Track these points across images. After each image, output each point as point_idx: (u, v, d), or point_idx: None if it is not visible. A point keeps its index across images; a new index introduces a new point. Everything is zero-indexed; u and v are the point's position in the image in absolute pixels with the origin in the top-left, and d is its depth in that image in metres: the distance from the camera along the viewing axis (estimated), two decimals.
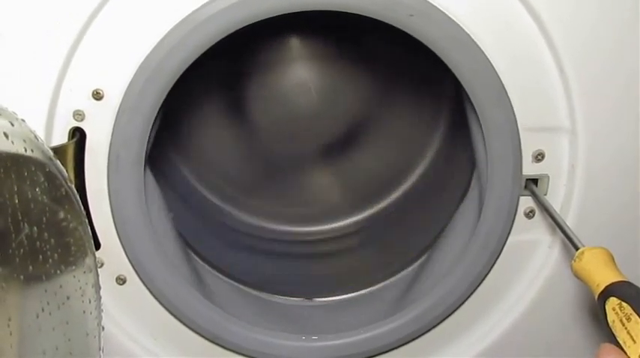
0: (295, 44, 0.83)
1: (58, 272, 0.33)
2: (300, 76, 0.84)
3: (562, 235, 0.55)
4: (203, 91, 0.81)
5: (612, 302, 0.41)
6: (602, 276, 0.43)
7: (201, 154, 0.84)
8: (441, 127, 0.84)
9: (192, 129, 0.83)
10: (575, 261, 0.47)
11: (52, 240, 0.32)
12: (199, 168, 0.84)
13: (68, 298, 0.34)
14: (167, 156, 0.82)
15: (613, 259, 0.46)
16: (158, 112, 0.55)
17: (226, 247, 0.77)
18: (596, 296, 0.43)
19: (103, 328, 0.41)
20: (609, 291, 0.42)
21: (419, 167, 0.85)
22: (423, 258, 0.69)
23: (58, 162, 0.36)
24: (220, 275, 0.69)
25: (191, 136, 0.84)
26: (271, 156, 0.86)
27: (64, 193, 0.35)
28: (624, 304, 0.40)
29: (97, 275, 0.41)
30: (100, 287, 0.41)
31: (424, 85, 0.82)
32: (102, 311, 0.42)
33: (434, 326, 0.64)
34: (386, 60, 0.83)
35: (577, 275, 0.47)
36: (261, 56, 0.83)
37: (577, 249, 0.48)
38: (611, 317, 0.40)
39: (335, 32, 0.81)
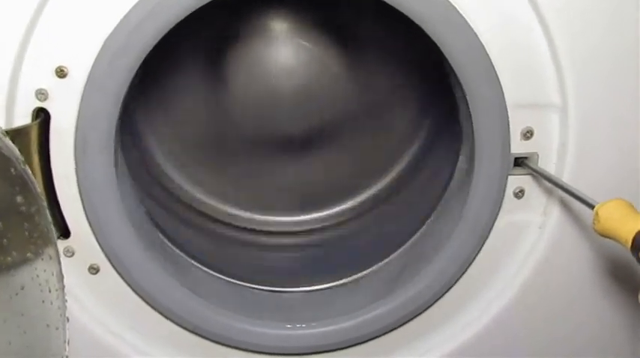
0: (282, 25, 0.80)
1: (9, 259, 0.30)
2: (284, 57, 0.81)
3: (571, 197, 0.53)
4: (179, 67, 0.77)
5: None
6: (626, 230, 0.43)
7: (178, 140, 0.81)
8: (430, 111, 0.81)
9: (168, 110, 0.79)
10: (594, 223, 0.46)
11: (0, 224, 0.29)
12: (175, 154, 0.81)
13: (22, 288, 0.31)
14: (140, 138, 0.79)
15: (630, 206, 0.45)
16: (128, 90, 0.52)
17: (206, 237, 0.74)
18: (630, 252, 0.42)
19: (68, 319, 0.39)
20: (637, 243, 0.41)
21: (406, 154, 0.82)
22: (412, 241, 0.67)
23: (9, 140, 0.33)
24: (200, 266, 0.66)
25: (166, 117, 0.80)
26: (253, 143, 0.83)
27: (14, 174, 0.32)
28: None
29: (60, 263, 0.38)
30: (62, 276, 0.38)
31: (413, 69, 0.80)
32: (66, 301, 0.39)
33: (423, 311, 0.62)
34: (374, 46, 0.81)
35: (604, 236, 0.46)
36: (245, 36, 0.79)
37: (592, 207, 0.47)
38: None
39: (327, 18, 0.78)
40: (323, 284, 0.67)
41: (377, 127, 0.83)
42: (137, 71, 0.52)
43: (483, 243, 0.60)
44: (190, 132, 0.82)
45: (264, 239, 0.80)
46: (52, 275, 0.36)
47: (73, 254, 0.57)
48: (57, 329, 0.35)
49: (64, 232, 0.56)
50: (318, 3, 0.77)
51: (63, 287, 0.38)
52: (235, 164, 0.83)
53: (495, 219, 0.59)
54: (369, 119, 0.82)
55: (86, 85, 0.51)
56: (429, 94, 0.79)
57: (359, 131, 0.83)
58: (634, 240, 0.42)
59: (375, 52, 0.81)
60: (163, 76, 0.77)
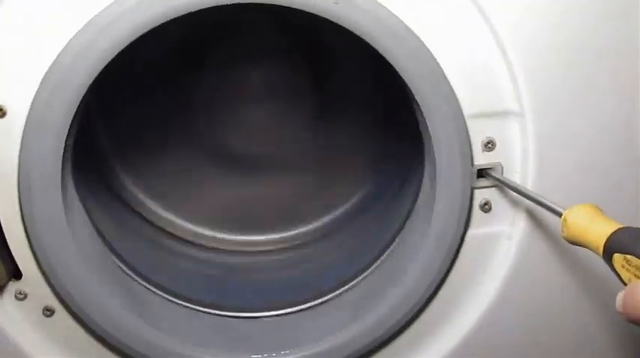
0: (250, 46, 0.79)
1: None
2: (252, 83, 0.80)
3: (538, 206, 0.52)
4: (144, 85, 0.76)
5: (617, 260, 0.39)
6: (595, 236, 0.41)
7: (145, 163, 0.80)
8: (394, 129, 0.80)
9: (137, 136, 0.78)
10: (562, 231, 0.45)
11: None
12: (138, 174, 0.80)
13: None
14: (102, 163, 0.78)
15: (598, 210, 0.44)
16: (72, 125, 0.51)
17: (169, 261, 0.72)
18: (602, 258, 0.41)
19: None
20: (609, 249, 0.40)
21: (371, 174, 0.81)
22: (378, 263, 0.65)
23: None
24: (161, 293, 0.64)
25: (134, 142, 0.79)
26: (219, 164, 0.81)
27: None
28: (628, 257, 0.38)
29: None
30: None
31: (380, 86, 0.79)
32: None
33: (396, 334, 0.60)
34: (341, 63, 0.80)
35: (573, 244, 0.45)
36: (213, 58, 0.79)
37: (560, 215, 0.46)
38: (625, 275, 0.39)
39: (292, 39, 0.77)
40: (289, 308, 0.64)
41: (341, 147, 0.81)
42: (95, 93, 0.51)
43: (453, 260, 0.58)
44: (157, 152, 0.80)
45: (229, 260, 0.78)
46: None
47: (25, 296, 0.55)
48: None
49: (16, 274, 0.54)
50: (284, 25, 0.76)
51: None
52: (201, 184, 0.82)
53: (463, 234, 0.58)
54: (334, 139, 0.81)
55: (26, 124, 0.50)
56: (394, 110, 0.78)
57: (324, 151, 0.82)
58: (605, 245, 0.40)
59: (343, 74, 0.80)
60: (129, 97, 0.76)
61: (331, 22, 0.51)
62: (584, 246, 0.43)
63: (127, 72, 0.66)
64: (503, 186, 0.57)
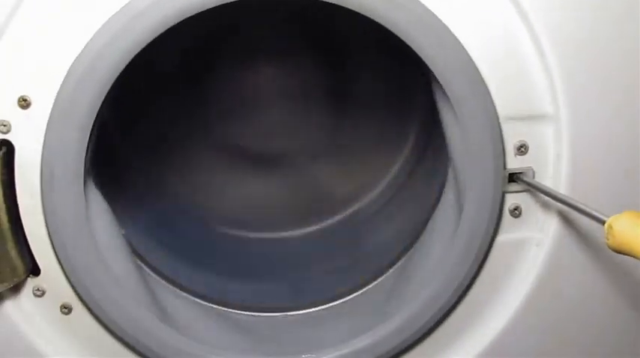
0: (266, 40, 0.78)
1: None
2: (268, 83, 0.79)
3: (572, 211, 0.50)
4: (162, 82, 0.75)
5: None
6: None
7: (164, 159, 0.78)
8: (415, 126, 0.79)
9: (155, 134, 0.77)
10: (607, 238, 0.43)
11: None
12: (159, 173, 0.78)
13: None
14: (121, 160, 0.76)
15: None
16: (97, 119, 0.49)
17: (186, 259, 0.71)
18: None
19: None
20: None
21: (390, 171, 0.80)
22: (402, 262, 0.64)
23: None
24: (181, 292, 0.62)
25: (153, 140, 0.78)
26: (239, 160, 0.80)
27: None
28: None
29: None
30: None
31: (398, 84, 0.78)
32: None
33: (421, 338, 0.59)
34: (357, 60, 0.78)
35: (619, 252, 0.43)
36: (230, 51, 0.77)
37: (602, 222, 0.44)
38: None
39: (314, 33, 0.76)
40: (312, 308, 0.63)
41: (364, 140, 0.80)
42: (115, 94, 0.50)
43: (481, 264, 0.57)
44: (176, 152, 0.79)
45: (250, 261, 0.77)
46: None
47: (43, 293, 0.53)
48: None
49: (34, 270, 0.53)
50: (302, 15, 0.75)
51: None
52: (223, 183, 0.81)
53: (493, 238, 0.56)
54: (355, 132, 0.80)
55: (51, 115, 0.49)
56: (418, 103, 0.77)
57: (345, 145, 0.80)
58: None
59: (360, 67, 0.79)
60: (146, 94, 0.75)
61: (350, 15, 0.49)
62: (631, 255, 0.42)
63: (144, 72, 0.65)
64: (537, 191, 0.55)
